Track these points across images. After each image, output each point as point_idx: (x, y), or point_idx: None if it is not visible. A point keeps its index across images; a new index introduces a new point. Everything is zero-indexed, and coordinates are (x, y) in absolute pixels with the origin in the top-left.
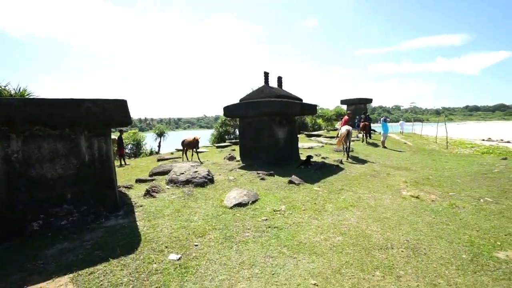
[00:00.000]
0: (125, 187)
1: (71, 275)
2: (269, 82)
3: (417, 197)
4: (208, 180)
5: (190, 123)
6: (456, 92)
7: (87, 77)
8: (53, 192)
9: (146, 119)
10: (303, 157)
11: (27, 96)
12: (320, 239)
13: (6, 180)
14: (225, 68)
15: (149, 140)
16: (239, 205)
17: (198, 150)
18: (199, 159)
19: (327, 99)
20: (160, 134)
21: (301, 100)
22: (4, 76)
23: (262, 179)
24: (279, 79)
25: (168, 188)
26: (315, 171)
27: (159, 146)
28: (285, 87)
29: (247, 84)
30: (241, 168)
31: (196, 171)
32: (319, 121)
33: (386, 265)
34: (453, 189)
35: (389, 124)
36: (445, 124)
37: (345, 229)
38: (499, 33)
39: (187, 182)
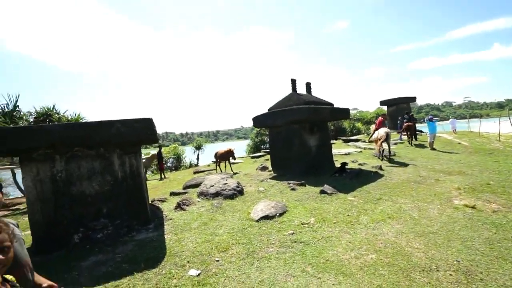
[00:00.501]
0: (159, 200)
1: (99, 287)
2: (296, 89)
3: (473, 207)
4: (237, 192)
5: (228, 135)
6: None
7: (130, 97)
8: (91, 207)
9: (187, 133)
10: (338, 165)
11: (80, 121)
12: (350, 257)
13: (53, 198)
14: (259, 78)
15: (188, 153)
16: (266, 217)
17: (233, 161)
18: (232, 170)
19: (365, 101)
20: (198, 147)
21: (331, 104)
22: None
23: (293, 189)
24: (308, 85)
25: (198, 201)
26: (351, 179)
27: (197, 159)
28: (318, 93)
29: (280, 92)
30: (272, 178)
31: (225, 183)
32: (358, 124)
33: None
34: None
35: (438, 124)
36: (510, 118)
37: (380, 245)
38: None
39: (217, 194)
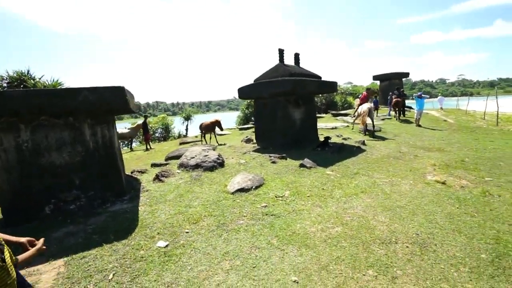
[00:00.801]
0: (139, 171)
1: (66, 259)
2: (284, 60)
3: (443, 183)
4: (218, 164)
5: (220, 106)
6: None
7: (118, 65)
8: (62, 178)
9: (178, 103)
10: (323, 138)
11: (59, 87)
12: (317, 230)
13: (19, 168)
14: (255, 48)
15: (177, 124)
16: (242, 190)
17: (221, 132)
18: (217, 141)
19: (362, 75)
20: (187, 118)
21: (319, 77)
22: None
23: (273, 162)
24: (296, 56)
25: (178, 172)
26: (332, 154)
27: (186, 130)
28: (314, 65)
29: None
30: (255, 151)
31: (206, 155)
32: (350, 99)
33: (383, 262)
34: (492, 173)
35: (428, 101)
36: (497, 97)
37: (347, 219)
38: None
39: (197, 166)
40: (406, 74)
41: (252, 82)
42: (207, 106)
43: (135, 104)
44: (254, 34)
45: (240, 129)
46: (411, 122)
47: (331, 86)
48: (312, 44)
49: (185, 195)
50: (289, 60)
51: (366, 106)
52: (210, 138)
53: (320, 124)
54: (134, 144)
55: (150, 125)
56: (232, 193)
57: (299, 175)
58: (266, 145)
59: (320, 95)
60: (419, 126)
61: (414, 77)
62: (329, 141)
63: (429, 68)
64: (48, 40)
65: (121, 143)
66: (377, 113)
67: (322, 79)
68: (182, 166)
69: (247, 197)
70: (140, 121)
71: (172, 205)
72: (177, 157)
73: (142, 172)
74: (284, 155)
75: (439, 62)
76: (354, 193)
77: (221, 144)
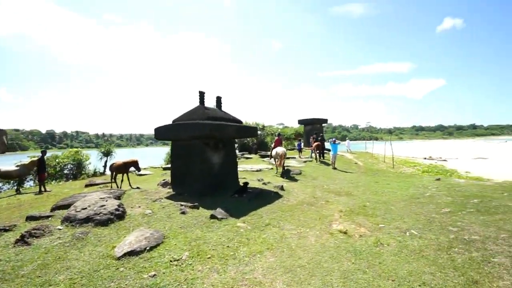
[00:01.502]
0: (0, 229)
1: None
2: (204, 102)
3: (345, 233)
4: (115, 216)
5: (152, 140)
6: (405, 113)
7: (45, 88)
8: None
9: (104, 135)
10: (249, 182)
11: None
12: None
13: None
14: (192, 83)
15: (94, 160)
16: (131, 253)
17: (141, 172)
18: (130, 185)
19: (294, 117)
20: (107, 153)
21: (239, 122)
22: None
23: (183, 213)
24: (218, 99)
25: (59, 229)
26: (249, 201)
27: (104, 166)
28: (247, 105)
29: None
30: (169, 197)
31: (103, 205)
32: None
33: None
34: (385, 218)
35: (343, 143)
36: (391, 144)
37: None
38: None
39: (87, 220)
40: (325, 120)
41: (170, 122)
42: (138, 140)
43: None
44: (192, 70)
45: (164, 168)
46: (329, 164)
47: (250, 131)
48: (249, 84)
49: (50, 266)
50: (228, 102)
51: (281, 150)
52: (122, 180)
53: (246, 165)
54: (28, 184)
55: (58, 160)
56: (118, 258)
57: (207, 229)
58: (182, 190)
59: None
60: (335, 168)
61: (334, 122)
62: (248, 186)
63: (345, 114)
64: None
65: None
66: (300, 154)
67: (244, 121)
68: (67, 220)
69: (135, 263)
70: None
71: (23, 284)
72: (68, 206)
73: (4, 229)
74: (196, 204)
75: (353, 110)
76: (259, 251)
77: (134, 188)
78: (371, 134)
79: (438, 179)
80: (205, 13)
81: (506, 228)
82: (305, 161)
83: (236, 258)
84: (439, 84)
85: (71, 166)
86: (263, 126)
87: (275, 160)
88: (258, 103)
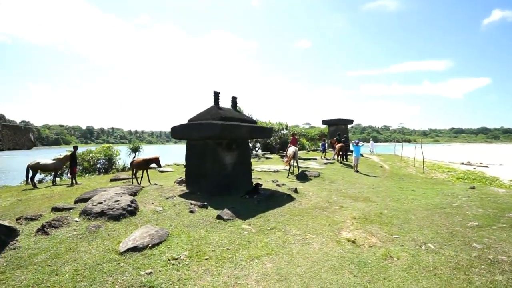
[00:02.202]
0: (29, 218)
1: None
2: (219, 103)
3: (353, 242)
4: (127, 212)
5: None
6: (442, 114)
7: (86, 86)
8: None
9: (136, 132)
10: (263, 183)
11: None
12: None
13: None
14: (221, 82)
15: (124, 155)
16: (134, 249)
17: (162, 169)
18: (149, 181)
19: (321, 117)
20: (135, 149)
21: (254, 122)
22: None
23: (191, 211)
24: (233, 100)
25: (76, 221)
26: (259, 202)
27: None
28: (273, 105)
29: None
30: (182, 195)
31: (117, 200)
32: (303, 140)
33: None
34: (401, 229)
35: (368, 145)
36: (421, 146)
37: None
38: (480, 60)
39: (102, 214)
40: (351, 121)
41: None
42: (167, 137)
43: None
44: (221, 69)
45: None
46: (352, 167)
47: (264, 132)
48: (277, 85)
49: (61, 256)
50: (253, 102)
51: (291, 149)
52: (142, 177)
53: (265, 166)
54: (66, 177)
55: (91, 155)
56: (121, 253)
57: (211, 229)
58: (194, 189)
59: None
60: (357, 171)
61: (364, 122)
62: (261, 187)
63: (376, 115)
64: None
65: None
66: (324, 155)
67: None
68: (84, 213)
69: (136, 259)
70: (67, 152)
71: (34, 271)
72: (88, 199)
73: (31, 219)
74: (205, 203)
75: (383, 111)
76: (258, 255)
77: (152, 184)
78: (403, 135)
79: (473, 188)
80: (233, 13)
81: None
82: (326, 163)
83: (233, 261)
84: (484, 83)
85: (103, 160)
86: (286, 126)
87: (289, 159)
88: (284, 103)
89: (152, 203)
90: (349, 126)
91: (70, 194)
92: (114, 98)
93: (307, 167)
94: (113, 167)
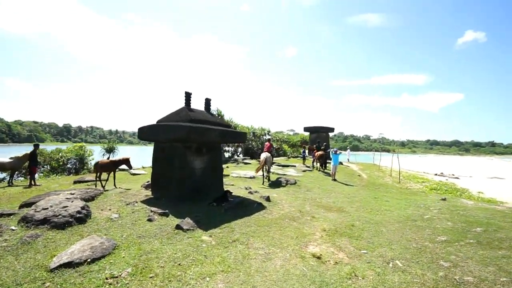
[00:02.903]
0: None
1: None
2: (190, 104)
3: (319, 257)
4: (76, 220)
5: None
6: (419, 126)
7: (66, 83)
8: None
9: (117, 131)
10: (235, 189)
11: None
12: None
13: None
14: (207, 84)
15: (97, 155)
16: (69, 265)
17: (134, 171)
18: (114, 184)
19: (305, 124)
20: (110, 150)
21: (228, 126)
22: None
23: (150, 220)
24: (207, 102)
25: (12, 230)
26: (226, 211)
27: None
28: (257, 112)
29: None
30: (144, 201)
31: (65, 206)
32: (285, 146)
33: None
34: (371, 243)
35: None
36: (398, 156)
37: None
38: (455, 76)
39: (44, 221)
40: (332, 129)
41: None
42: None
43: None
44: (204, 73)
45: None
46: (330, 175)
47: (238, 136)
48: (262, 90)
49: None
50: (237, 106)
51: (263, 155)
52: (107, 179)
53: (241, 171)
54: (21, 178)
55: (61, 154)
56: (51, 270)
57: (167, 241)
58: (160, 195)
59: (255, 140)
60: (335, 180)
61: (346, 131)
62: (232, 194)
63: (357, 125)
64: None
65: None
66: (304, 162)
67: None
68: (24, 220)
69: (66, 278)
70: (25, 151)
71: None
72: (33, 204)
73: None
74: (166, 211)
75: (364, 121)
76: (212, 273)
77: (117, 188)
78: (383, 145)
79: (444, 199)
80: (221, 16)
81: (507, 269)
82: (304, 170)
83: (181, 280)
84: (457, 98)
85: (74, 160)
86: (269, 131)
87: (261, 165)
88: (269, 109)
89: (110, 209)
90: (331, 134)
91: (21, 197)
92: (96, 96)
93: (285, 174)
94: (85, 167)
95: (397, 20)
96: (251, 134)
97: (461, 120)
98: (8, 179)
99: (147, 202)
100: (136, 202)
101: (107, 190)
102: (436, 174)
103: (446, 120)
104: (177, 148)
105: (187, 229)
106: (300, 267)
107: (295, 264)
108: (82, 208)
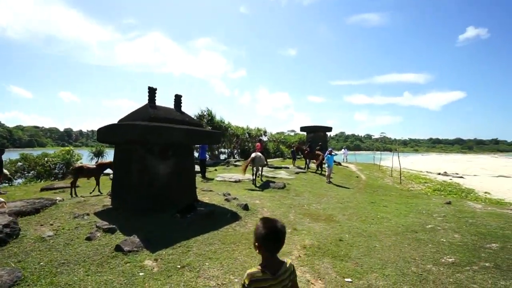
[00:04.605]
0: None
1: None
2: (155, 101)
3: None
4: None
5: None
6: (421, 125)
7: (72, 89)
8: None
9: None
10: (214, 196)
11: None
12: None
13: None
14: (205, 89)
15: (86, 160)
16: None
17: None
18: (99, 190)
19: (305, 125)
20: (98, 153)
21: (199, 125)
22: None
23: (89, 238)
24: (177, 98)
25: None
26: (190, 224)
27: None
28: (257, 113)
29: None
30: (97, 213)
31: None
32: (282, 147)
33: None
34: (359, 265)
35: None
36: (398, 155)
37: None
38: (457, 74)
39: None
40: (330, 129)
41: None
42: None
43: None
44: (205, 76)
45: None
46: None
47: (211, 137)
48: (262, 93)
49: None
50: (236, 107)
51: (252, 155)
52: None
53: (228, 174)
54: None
55: (47, 159)
56: None
57: (96, 268)
58: (119, 204)
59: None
60: (330, 182)
61: (348, 131)
62: (201, 203)
63: (359, 124)
64: None
65: None
66: (294, 163)
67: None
68: None
69: None
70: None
71: None
72: None
73: None
74: (113, 226)
75: (366, 120)
76: None
77: (76, 197)
78: (385, 145)
79: (449, 203)
80: (220, 19)
81: None
82: (297, 172)
83: None
84: (459, 96)
85: (61, 165)
86: (265, 132)
87: (246, 165)
88: (269, 110)
89: (51, 224)
90: (329, 133)
91: None
92: (96, 100)
93: (275, 177)
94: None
95: (397, 19)
96: (246, 134)
97: (463, 118)
98: None
99: (100, 214)
100: (88, 214)
101: (62, 200)
102: (439, 174)
103: (448, 118)
104: (136, 151)
105: (129, 251)
106: None
107: None
108: (6, 226)
